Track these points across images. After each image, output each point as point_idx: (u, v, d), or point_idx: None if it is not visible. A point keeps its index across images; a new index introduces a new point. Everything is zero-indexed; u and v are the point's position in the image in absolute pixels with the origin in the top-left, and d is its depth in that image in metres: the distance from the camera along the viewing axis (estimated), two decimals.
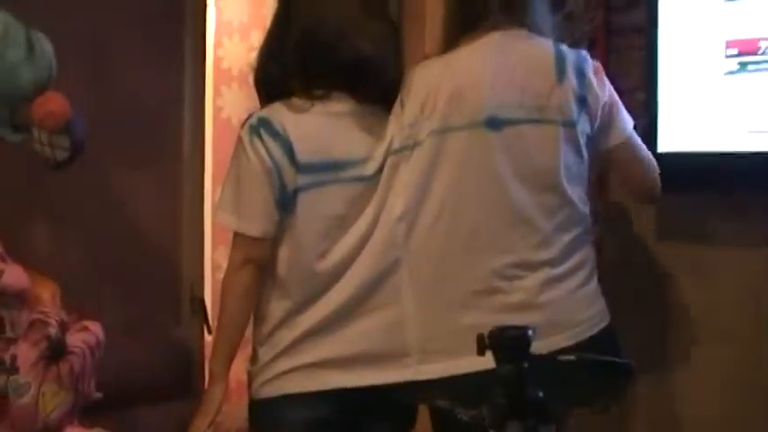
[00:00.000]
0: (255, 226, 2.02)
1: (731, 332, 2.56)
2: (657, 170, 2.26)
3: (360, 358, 2.05)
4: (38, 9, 2.24)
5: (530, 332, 1.29)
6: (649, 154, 2.26)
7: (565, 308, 2.04)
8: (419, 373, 2.04)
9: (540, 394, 1.27)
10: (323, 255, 2.04)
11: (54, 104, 2.13)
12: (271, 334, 2.09)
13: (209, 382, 2.09)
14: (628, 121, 2.17)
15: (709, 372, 2.59)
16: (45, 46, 2.17)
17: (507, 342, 1.29)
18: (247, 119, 2.08)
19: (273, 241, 2.05)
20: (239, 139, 2.06)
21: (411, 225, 2.05)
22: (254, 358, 2.14)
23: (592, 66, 2.10)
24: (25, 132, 2.18)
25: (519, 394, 1.27)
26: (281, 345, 2.07)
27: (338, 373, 2.05)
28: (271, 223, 2.02)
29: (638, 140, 2.21)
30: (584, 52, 2.14)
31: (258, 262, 2.05)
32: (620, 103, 2.16)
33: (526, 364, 1.30)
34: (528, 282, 2.02)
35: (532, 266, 2.03)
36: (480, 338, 1.32)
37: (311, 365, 2.05)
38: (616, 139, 2.14)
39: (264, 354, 2.10)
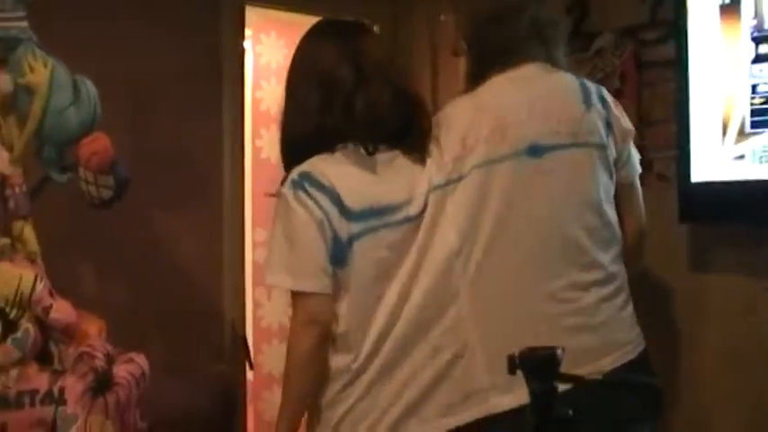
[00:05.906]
0: (313, 282, 1.90)
1: (760, 362, 2.53)
2: (646, 231, 2.25)
3: (429, 399, 1.99)
4: (83, 56, 2.33)
5: (558, 351, 1.32)
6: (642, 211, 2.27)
7: (614, 328, 2.05)
8: (492, 408, 1.99)
9: (570, 412, 1.29)
10: (379, 298, 1.96)
11: (99, 145, 2.20)
12: (340, 393, 1.97)
13: None
14: (638, 164, 2.22)
15: (737, 398, 2.57)
16: (90, 90, 2.26)
17: (535, 362, 1.32)
18: (285, 177, 1.98)
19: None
20: (282, 195, 1.94)
21: (467, 257, 2.04)
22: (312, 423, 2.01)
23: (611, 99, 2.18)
24: (72, 172, 2.27)
25: (548, 411, 1.29)
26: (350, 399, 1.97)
27: (415, 423, 1.98)
28: (327, 276, 1.91)
29: (640, 190, 2.24)
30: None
31: (323, 321, 1.92)
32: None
33: (556, 383, 1.32)
34: (582, 303, 2.03)
35: (584, 287, 2.04)
36: (511, 359, 1.35)
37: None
38: (626, 179, 2.18)
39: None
